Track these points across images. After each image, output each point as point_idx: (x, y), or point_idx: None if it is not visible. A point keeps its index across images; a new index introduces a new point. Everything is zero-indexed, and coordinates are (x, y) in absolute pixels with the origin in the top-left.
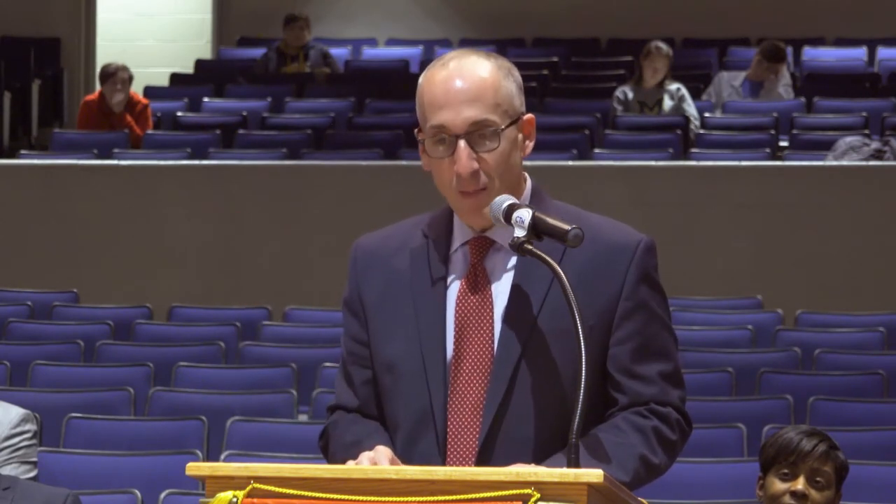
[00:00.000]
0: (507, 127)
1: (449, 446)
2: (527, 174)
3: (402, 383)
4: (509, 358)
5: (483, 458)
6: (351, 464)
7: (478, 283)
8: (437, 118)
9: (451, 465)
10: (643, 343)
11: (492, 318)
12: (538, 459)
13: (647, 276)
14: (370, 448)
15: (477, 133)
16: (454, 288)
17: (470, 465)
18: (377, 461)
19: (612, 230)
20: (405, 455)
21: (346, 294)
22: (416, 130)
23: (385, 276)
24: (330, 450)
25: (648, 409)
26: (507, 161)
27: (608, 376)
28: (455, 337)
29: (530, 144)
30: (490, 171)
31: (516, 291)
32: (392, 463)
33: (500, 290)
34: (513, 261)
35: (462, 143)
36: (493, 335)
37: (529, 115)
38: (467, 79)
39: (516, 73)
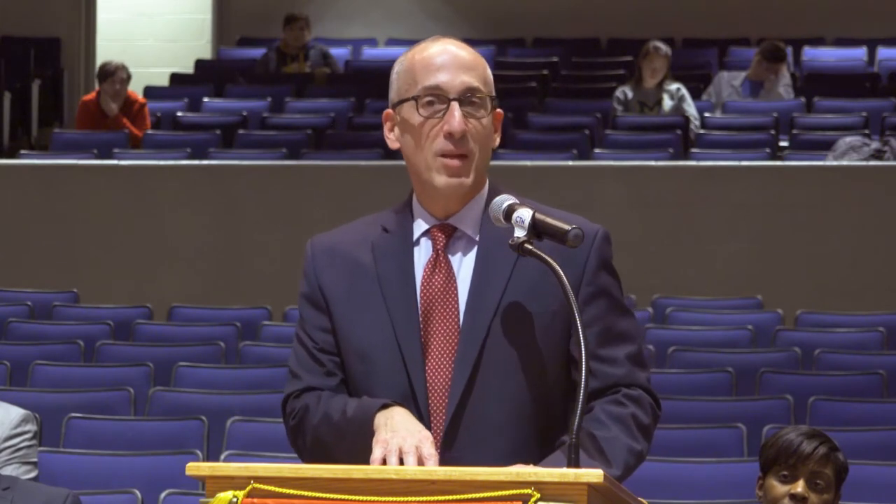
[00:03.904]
0: (490, 101)
1: (433, 428)
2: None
3: (377, 370)
4: (474, 341)
5: (449, 438)
6: (380, 416)
7: (441, 268)
8: (432, 79)
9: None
10: (607, 327)
11: (456, 303)
12: (506, 439)
13: (606, 263)
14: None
15: (468, 99)
16: (420, 275)
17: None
18: (421, 442)
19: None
20: None
21: (305, 289)
22: (385, 112)
23: (347, 268)
24: (315, 430)
25: (622, 395)
26: (487, 137)
27: (574, 361)
28: (422, 322)
29: (497, 138)
30: (476, 139)
31: (479, 277)
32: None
33: (464, 276)
34: (475, 247)
35: (456, 104)
36: (458, 319)
37: (500, 111)
38: (462, 51)
39: None
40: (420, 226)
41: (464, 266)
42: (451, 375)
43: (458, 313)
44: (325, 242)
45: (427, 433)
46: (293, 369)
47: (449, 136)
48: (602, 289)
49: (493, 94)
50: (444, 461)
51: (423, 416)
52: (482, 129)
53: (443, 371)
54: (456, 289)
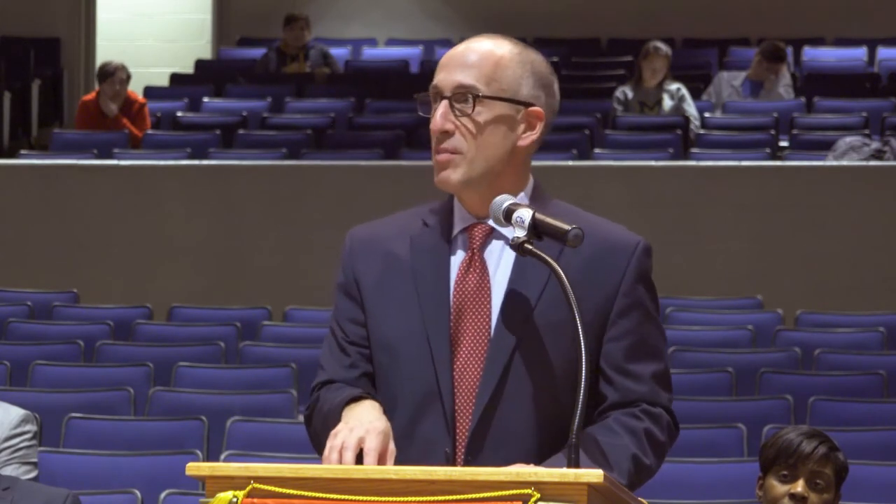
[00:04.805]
0: (494, 99)
1: (457, 429)
2: (531, 174)
3: (403, 363)
4: (505, 345)
5: (475, 440)
6: (347, 409)
7: (476, 269)
8: (434, 79)
9: (459, 446)
10: (638, 342)
11: (489, 304)
12: (529, 446)
13: (645, 276)
14: (349, 400)
15: (460, 96)
16: (454, 272)
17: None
18: (368, 427)
19: (611, 229)
20: (407, 435)
21: (341, 279)
22: None
23: (383, 260)
24: (314, 421)
25: (641, 410)
26: (487, 134)
27: (600, 371)
28: (453, 320)
29: (531, 137)
30: (465, 135)
31: (514, 280)
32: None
33: (499, 278)
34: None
35: (444, 102)
36: (489, 321)
37: (538, 109)
38: (476, 50)
39: (541, 69)
40: (459, 223)
41: (500, 268)
42: (480, 377)
43: (490, 315)
44: (363, 234)
45: (377, 425)
46: (321, 361)
47: (433, 134)
48: (637, 301)
49: (521, 94)
50: (466, 464)
51: (448, 416)
52: (474, 127)
53: (471, 372)
54: (489, 290)
